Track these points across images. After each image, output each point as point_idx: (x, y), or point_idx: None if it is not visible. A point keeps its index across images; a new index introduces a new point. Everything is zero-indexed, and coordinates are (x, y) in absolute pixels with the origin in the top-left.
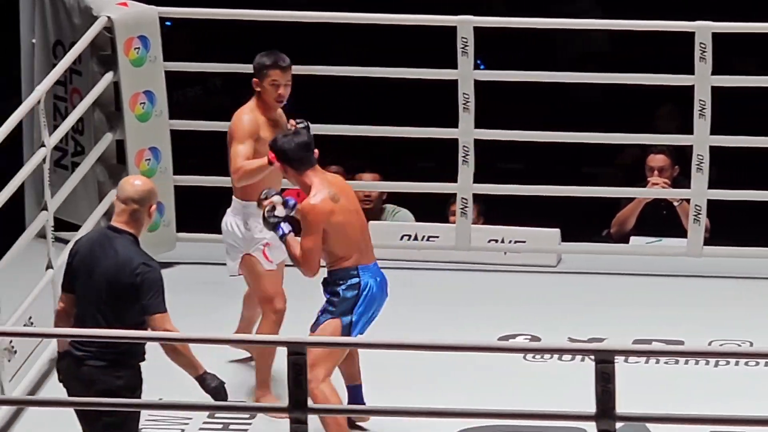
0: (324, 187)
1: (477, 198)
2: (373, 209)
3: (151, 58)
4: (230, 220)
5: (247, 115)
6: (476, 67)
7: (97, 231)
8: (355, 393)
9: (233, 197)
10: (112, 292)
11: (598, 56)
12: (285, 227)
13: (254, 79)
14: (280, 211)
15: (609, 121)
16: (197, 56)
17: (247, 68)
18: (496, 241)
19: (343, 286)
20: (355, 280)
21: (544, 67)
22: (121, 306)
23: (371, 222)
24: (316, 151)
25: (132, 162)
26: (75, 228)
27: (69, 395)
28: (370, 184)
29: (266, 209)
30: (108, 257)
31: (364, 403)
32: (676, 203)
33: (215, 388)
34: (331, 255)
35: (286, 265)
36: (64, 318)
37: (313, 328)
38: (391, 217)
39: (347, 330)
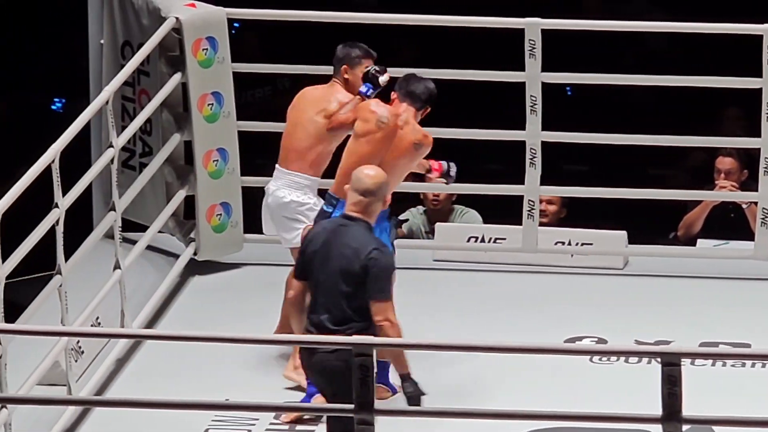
0: (389, 113)
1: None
2: (442, 210)
3: (219, 59)
4: (289, 193)
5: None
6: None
7: (331, 220)
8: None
9: (296, 173)
10: (347, 278)
11: (662, 57)
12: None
13: (345, 66)
14: (384, 80)
15: (675, 123)
16: (266, 57)
17: (315, 69)
18: (563, 243)
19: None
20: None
21: (609, 69)
22: (358, 291)
23: (439, 224)
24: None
25: (200, 163)
26: (143, 228)
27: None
28: (439, 186)
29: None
30: (343, 244)
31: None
32: (744, 206)
33: (411, 394)
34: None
35: None
36: (297, 305)
37: None
38: (460, 218)
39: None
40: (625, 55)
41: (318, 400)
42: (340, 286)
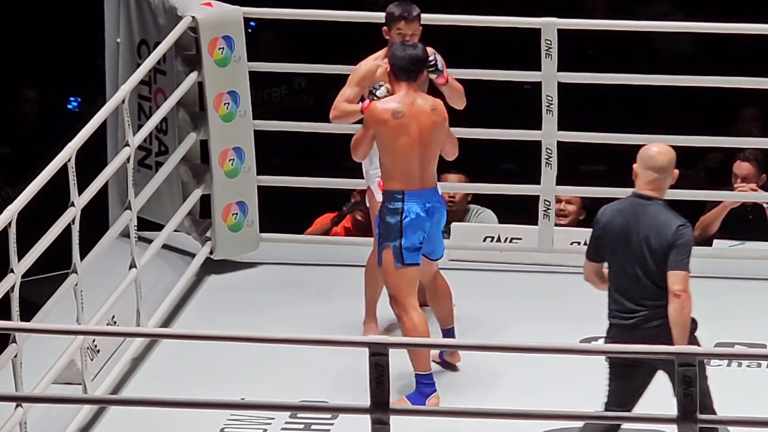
0: (397, 102)
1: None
2: (458, 210)
3: (235, 58)
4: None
5: (370, 62)
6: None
7: (623, 201)
8: (447, 335)
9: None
10: (654, 255)
11: (681, 58)
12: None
13: (384, 28)
14: (382, 92)
15: (691, 122)
16: (283, 56)
17: (332, 68)
18: (579, 243)
19: (386, 211)
20: (397, 205)
21: (626, 68)
22: (661, 268)
23: (455, 224)
24: (425, 72)
25: (216, 162)
26: (158, 227)
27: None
28: (454, 185)
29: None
30: (647, 225)
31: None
32: (766, 205)
33: None
34: (382, 168)
35: None
36: (596, 280)
37: (379, 262)
38: (475, 217)
39: (398, 253)
40: (643, 55)
41: (432, 402)
42: (644, 266)
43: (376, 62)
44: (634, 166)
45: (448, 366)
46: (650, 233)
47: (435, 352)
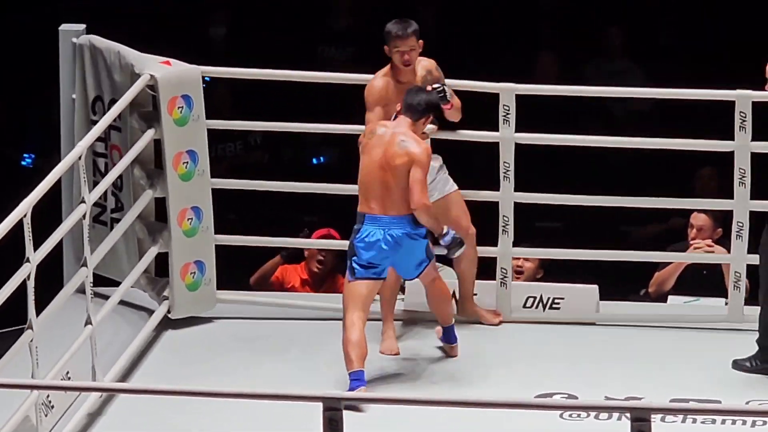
0: (384, 126)
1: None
2: None
3: (194, 116)
4: None
5: (378, 80)
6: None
7: None
8: (447, 332)
9: None
10: None
11: (640, 117)
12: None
13: (385, 47)
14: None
15: (648, 180)
16: (235, 109)
17: (289, 126)
18: (535, 298)
19: (353, 232)
20: (357, 226)
21: (584, 128)
22: None
23: (409, 282)
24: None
25: (174, 221)
26: (114, 284)
27: None
28: None
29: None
30: None
31: (456, 340)
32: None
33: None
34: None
35: None
36: None
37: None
38: None
39: (351, 268)
40: (598, 113)
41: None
42: None
43: (386, 78)
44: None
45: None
46: None
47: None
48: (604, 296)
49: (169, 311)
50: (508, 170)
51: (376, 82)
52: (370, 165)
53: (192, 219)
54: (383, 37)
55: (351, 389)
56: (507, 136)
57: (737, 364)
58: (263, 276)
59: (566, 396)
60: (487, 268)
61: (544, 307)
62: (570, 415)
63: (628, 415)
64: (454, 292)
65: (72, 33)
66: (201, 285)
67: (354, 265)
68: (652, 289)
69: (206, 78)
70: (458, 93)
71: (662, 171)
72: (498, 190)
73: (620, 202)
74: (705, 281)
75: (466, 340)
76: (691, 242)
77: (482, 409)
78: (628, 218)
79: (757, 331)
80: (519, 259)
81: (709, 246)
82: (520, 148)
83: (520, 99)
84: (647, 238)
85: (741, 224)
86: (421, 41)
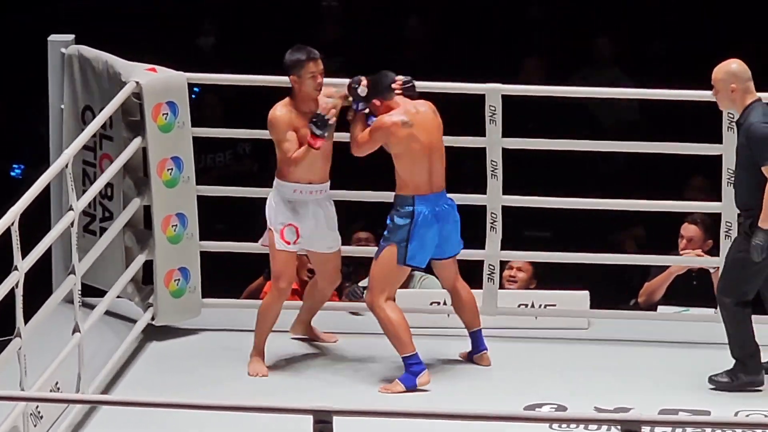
0: (403, 113)
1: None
2: None
3: (179, 123)
4: (270, 195)
5: (280, 110)
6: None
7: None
8: (475, 337)
9: (275, 177)
10: None
11: (628, 126)
12: (360, 105)
13: (291, 77)
14: (363, 90)
15: (638, 190)
16: (226, 120)
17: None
18: (526, 305)
19: (397, 214)
20: (409, 209)
21: (575, 135)
22: None
23: (399, 290)
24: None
25: (158, 227)
26: (102, 293)
27: None
28: None
29: (353, 81)
30: None
31: (485, 347)
32: (711, 270)
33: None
34: (397, 177)
35: None
36: None
37: (376, 255)
38: (419, 284)
39: (402, 254)
40: (587, 122)
41: (423, 380)
42: None
43: (286, 108)
44: (738, 87)
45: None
46: None
47: (463, 351)
48: (594, 306)
49: (153, 318)
50: (495, 169)
51: (278, 112)
52: (420, 151)
53: (177, 225)
54: (367, 49)
55: (414, 373)
56: (494, 137)
57: (716, 382)
58: (250, 295)
59: (555, 407)
60: (474, 279)
61: (536, 315)
62: (559, 426)
63: (618, 426)
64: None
65: (61, 43)
66: (185, 292)
67: (408, 251)
68: (641, 299)
69: (195, 89)
70: (446, 95)
71: (652, 181)
72: (485, 194)
73: (608, 205)
74: (696, 291)
75: (453, 352)
76: (682, 252)
77: (471, 422)
78: (617, 227)
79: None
80: (512, 269)
81: (699, 255)
82: (508, 158)
83: (509, 108)
84: (633, 241)
85: (729, 224)
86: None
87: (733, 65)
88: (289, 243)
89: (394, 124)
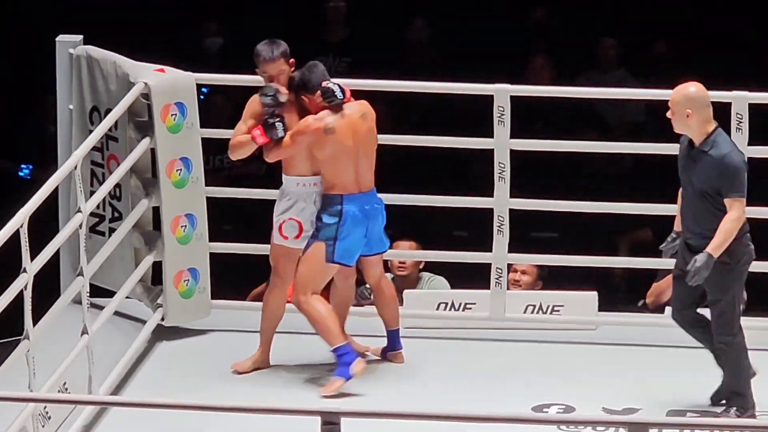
0: (327, 116)
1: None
2: (409, 277)
3: (188, 124)
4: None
5: (253, 96)
6: None
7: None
8: (392, 336)
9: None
10: None
11: (634, 127)
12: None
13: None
14: (282, 97)
15: (644, 192)
16: (235, 121)
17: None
18: (534, 306)
19: (326, 213)
20: (337, 208)
21: (577, 137)
22: None
23: (407, 291)
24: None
25: (167, 228)
26: (110, 294)
27: None
28: (405, 253)
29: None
30: None
31: (401, 346)
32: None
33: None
34: (323, 180)
35: None
36: None
37: (304, 251)
38: (428, 285)
39: (330, 252)
40: (594, 124)
41: (358, 368)
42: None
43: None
44: (696, 114)
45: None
46: None
47: (376, 348)
48: (601, 308)
49: (162, 319)
50: (503, 171)
51: (252, 98)
52: (345, 153)
53: (186, 226)
54: (374, 49)
55: (347, 364)
56: (502, 139)
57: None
58: (255, 298)
59: (563, 408)
60: (483, 278)
61: (542, 321)
62: (567, 428)
63: (625, 428)
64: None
65: (69, 44)
66: (195, 293)
67: (336, 249)
68: (649, 300)
69: (204, 89)
70: (454, 96)
71: (658, 183)
72: (492, 197)
73: (614, 209)
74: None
75: (462, 354)
76: None
77: (479, 423)
78: (623, 230)
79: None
80: (516, 272)
81: None
82: (515, 160)
83: (516, 110)
84: (639, 244)
85: None
86: (292, 60)
87: (691, 89)
88: (287, 238)
89: (316, 129)
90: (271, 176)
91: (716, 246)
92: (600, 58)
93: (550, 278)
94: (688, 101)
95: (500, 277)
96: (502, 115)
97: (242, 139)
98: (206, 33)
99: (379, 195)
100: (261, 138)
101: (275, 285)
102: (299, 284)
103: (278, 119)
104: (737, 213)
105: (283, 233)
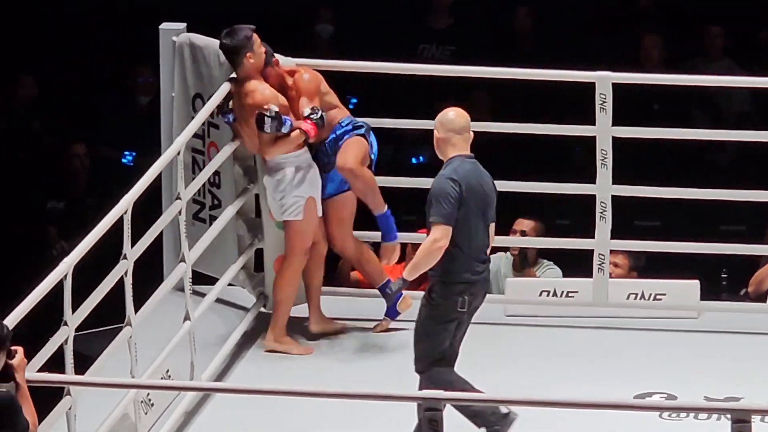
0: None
1: (629, 252)
2: (529, 255)
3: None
4: (277, 179)
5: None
6: None
7: (466, 162)
8: (383, 288)
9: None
10: (492, 206)
11: (738, 115)
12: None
13: (247, 54)
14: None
15: (751, 180)
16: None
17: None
18: (636, 295)
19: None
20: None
21: (683, 125)
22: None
23: (510, 279)
24: None
25: (267, 214)
26: (213, 281)
27: None
28: (512, 239)
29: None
30: (486, 180)
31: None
32: None
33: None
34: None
35: None
36: None
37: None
38: (542, 271)
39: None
40: (700, 112)
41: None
42: (489, 219)
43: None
44: (441, 137)
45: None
46: (491, 187)
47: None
48: (703, 296)
49: (264, 305)
50: (606, 158)
51: (267, 90)
52: None
53: None
54: (478, 38)
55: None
56: (604, 126)
57: None
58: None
59: (665, 396)
60: (584, 263)
61: (645, 307)
62: (669, 415)
63: (728, 416)
64: None
65: (172, 31)
66: None
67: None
68: (751, 288)
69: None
70: (555, 83)
71: (763, 171)
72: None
73: (718, 196)
74: None
75: (563, 341)
76: None
77: (581, 410)
78: (728, 218)
79: None
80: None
81: None
82: (619, 145)
83: (624, 96)
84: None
85: None
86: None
87: (450, 114)
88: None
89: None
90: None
91: (409, 268)
92: (706, 46)
93: (652, 266)
94: (439, 125)
95: (603, 263)
96: (604, 102)
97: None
98: (318, 20)
99: None
100: (314, 131)
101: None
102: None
103: (316, 109)
104: None
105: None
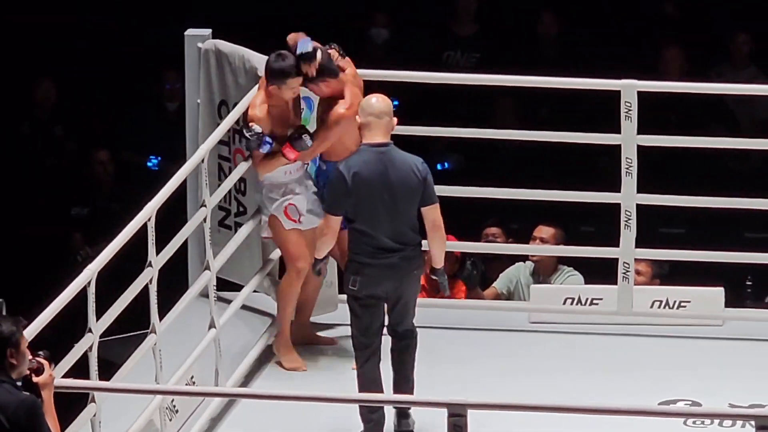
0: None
1: (652, 260)
2: (547, 263)
3: (314, 118)
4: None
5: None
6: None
7: (363, 153)
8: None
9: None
10: (411, 197)
11: (761, 123)
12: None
13: (274, 84)
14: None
15: None
16: None
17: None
18: (660, 302)
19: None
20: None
21: (705, 133)
22: (414, 207)
23: (534, 285)
24: None
25: None
26: (238, 288)
27: None
28: (536, 248)
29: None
30: (398, 168)
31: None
32: None
33: None
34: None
35: None
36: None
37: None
38: (563, 278)
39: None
40: (722, 120)
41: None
42: (402, 207)
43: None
44: (361, 122)
45: None
46: (405, 176)
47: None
48: (727, 304)
49: None
50: (630, 166)
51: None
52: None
53: None
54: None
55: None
56: (629, 135)
57: None
58: None
59: (690, 403)
60: (606, 269)
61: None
62: (694, 422)
63: (752, 423)
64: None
65: (197, 38)
66: (322, 287)
67: None
68: None
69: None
70: (580, 92)
71: None
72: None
73: (742, 204)
74: None
75: (588, 348)
76: None
77: (605, 416)
78: (753, 225)
79: None
80: None
81: None
82: (643, 153)
83: (646, 105)
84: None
85: None
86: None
87: (372, 99)
88: (296, 221)
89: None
90: None
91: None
92: (733, 53)
93: (677, 274)
94: (360, 110)
95: (627, 271)
96: (629, 110)
97: (270, 158)
98: (372, 23)
99: (506, 190)
100: (292, 154)
101: (299, 274)
102: None
103: (303, 131)
104: None
105: (291, 217)
